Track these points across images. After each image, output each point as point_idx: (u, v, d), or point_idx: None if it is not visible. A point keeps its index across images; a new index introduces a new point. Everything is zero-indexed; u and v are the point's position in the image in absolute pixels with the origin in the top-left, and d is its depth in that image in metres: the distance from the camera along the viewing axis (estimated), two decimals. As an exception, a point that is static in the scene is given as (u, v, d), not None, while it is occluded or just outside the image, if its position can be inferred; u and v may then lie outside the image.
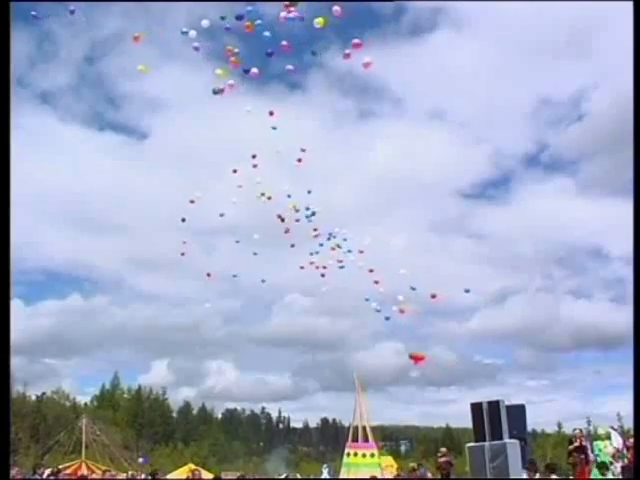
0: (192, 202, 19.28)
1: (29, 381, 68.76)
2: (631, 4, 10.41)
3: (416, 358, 17.98)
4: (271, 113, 16.74)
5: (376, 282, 19.83)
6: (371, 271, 19.91)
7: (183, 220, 19.85)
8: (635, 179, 9.77)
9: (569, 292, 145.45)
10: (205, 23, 13.90)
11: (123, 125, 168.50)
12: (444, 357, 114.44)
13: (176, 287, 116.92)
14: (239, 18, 13.65)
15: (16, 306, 78.15)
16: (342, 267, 20.43)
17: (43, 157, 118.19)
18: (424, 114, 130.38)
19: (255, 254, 21.94)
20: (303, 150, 18.50)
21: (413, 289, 19.56)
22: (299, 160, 18.43)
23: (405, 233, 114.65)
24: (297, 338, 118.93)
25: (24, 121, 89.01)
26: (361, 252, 20.37)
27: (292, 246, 20.61)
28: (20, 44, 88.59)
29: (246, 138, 18.23)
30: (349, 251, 20.36)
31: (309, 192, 20.06)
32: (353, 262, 20.26)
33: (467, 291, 23.67)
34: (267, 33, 13.89)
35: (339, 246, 20.25)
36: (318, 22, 13.11)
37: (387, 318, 20.39)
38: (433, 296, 19.93)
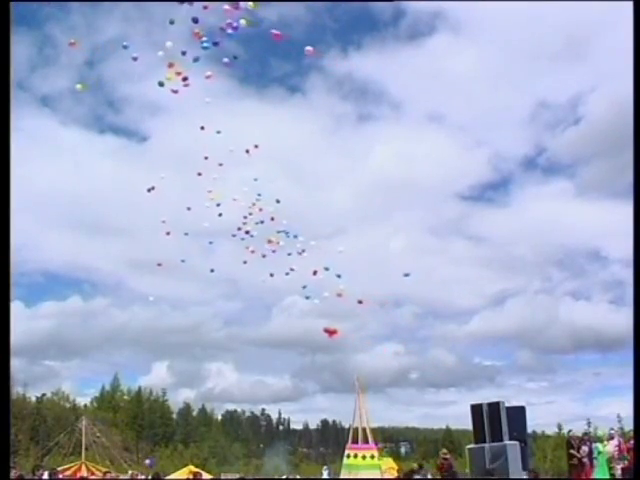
0: (153, 188, 18.90)
1: (29, 382, 69.01)
2: (628, 7, 10.45)
3: (329, 332, 18.23)
4: (202, 127, 17.07)
5: (314, 273, 19.44)
6: (315, 273, 19.50)
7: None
8: (635, 181, 9.78)
9: (568, 294, 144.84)
10: (169, 44, 14.10)
11: (123, 128, 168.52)
12: (444, 359, 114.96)
13: (176, 289, 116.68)
14: (195, 21, 13.65)
15: (16, 308, 78.22)
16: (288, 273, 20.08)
17: (43, 160, 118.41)
18: (423, 117, 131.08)
19: (211, 243, 22.76)
20: (256, 146, 18.67)
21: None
22: (247, 151, 18.58)
23: (404, 235, 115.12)
24: (297, 340, 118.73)
25: (24, 124, 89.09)
26: (301, 253, 19.98)
27: (242, 239, 20.02)
28: (21, 47, 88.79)
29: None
30: (299, 252, 20.07)
31: (255, 179, 20.01)
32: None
33: (406, 275, 22.95)
34: (206, 40, 13.92)
35: (281, 234, 19.88)
36: (244, 23, 13.47)
37: (307, 297, 20.36)
38: (360, 301, 19.54)
